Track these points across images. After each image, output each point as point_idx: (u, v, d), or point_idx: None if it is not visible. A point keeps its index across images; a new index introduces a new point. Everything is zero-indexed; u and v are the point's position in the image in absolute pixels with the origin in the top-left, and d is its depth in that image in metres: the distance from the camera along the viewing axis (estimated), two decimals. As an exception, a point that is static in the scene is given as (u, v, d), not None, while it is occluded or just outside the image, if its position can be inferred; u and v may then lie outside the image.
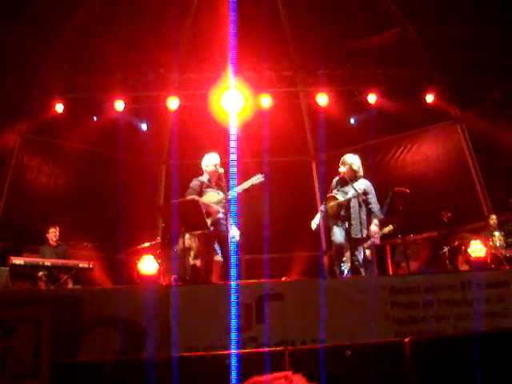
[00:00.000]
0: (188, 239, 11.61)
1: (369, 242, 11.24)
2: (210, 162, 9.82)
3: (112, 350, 7.26)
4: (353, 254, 9.84)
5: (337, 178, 10.28)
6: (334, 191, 10.07)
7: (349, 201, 9.76)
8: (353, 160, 10.17)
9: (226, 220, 9.30)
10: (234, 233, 9.53)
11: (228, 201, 9.35)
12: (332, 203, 9.88)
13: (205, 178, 9.81)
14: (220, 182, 9.66)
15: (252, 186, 9.44)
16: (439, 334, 7.60)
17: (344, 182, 10.10)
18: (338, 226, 9.84)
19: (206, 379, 5.34)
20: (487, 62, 13.89)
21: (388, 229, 12.41)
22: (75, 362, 6.48)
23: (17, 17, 13.06)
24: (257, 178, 9.46)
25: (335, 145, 15.97)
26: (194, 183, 9.78)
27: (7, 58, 13.29)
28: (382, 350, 5.87)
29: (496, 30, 13.33)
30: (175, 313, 7.37)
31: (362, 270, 9.85)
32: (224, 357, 5.54)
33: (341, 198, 9.86)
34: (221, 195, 9.54)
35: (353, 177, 10.10)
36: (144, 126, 16.21)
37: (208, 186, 9.72)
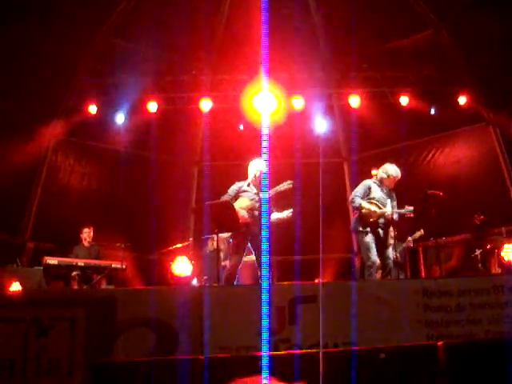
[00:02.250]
0: (219, 241, 11.69)
1: (403, 246, 11.27)
2: (255, 167, 9.81)
3: (145, 351, 7.30)
4: (383, 253, 9.88)
5: (372, 183, 10.26)
6: (374, 198, 10.06)
7: (390, 214, 9.82)
8: (393, 169, 10.18)
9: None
10: (282, 214, 9.57)
11: (260, 202, 9.37)
12: (376, 211, 9.87)
13: (245, 182, 9.81)
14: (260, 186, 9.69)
15: (280, 191, 9.43)
16: (471, 338, 7.56)
17: (383, 191, 10.11)
18: (369, 236, 9.83)
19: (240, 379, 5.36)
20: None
21: (419, 234, 12.40)
22: (109, 362, 6.52)
23: (51, 18, 13.19)
24: (286, 184, 9.45)
25: (367, 146, 15.95)
26: (232, 188, 9.78)
27: (41, 59, 13.41)
28: (415, 353, 5.86)
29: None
30: (208, 313, 7.40)
31: (392, 268, 9.90)
32: (256, 358, 5.56)
33: (385, 209, 9.88)
34: (255, 200, 9.57)
35: (390, 187, 10.13)
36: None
37: (245, 191, 9.72)
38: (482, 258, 12.75)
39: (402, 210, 9.96)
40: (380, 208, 9.91)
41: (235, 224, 9.22)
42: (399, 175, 10.16)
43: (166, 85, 15.60)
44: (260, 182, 9.60)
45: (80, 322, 7.36)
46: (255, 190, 9.66)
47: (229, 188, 9.82)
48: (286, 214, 9.52)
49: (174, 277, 12.12)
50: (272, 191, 9.27)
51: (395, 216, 9.92)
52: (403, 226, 10.52)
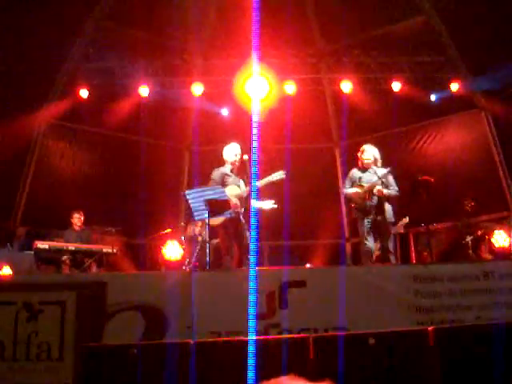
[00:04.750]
0: (199, 226, 11.71)
1: (393, 230, 11.26)
2: (231, 152, 9.81)
3: (135, 335, 7.31)
4: (383, 244, 9.88)
5: (355, 170, 10.27)
6: (357, 182, 10.06)
7: (373, 186, 9.76)
8: (375, 150, 10.17)
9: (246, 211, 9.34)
10: (266, 205, 9.52)
11: (249, 193, 9.35)
12: (359, 191, 9.86)
13: (227, 168, 9.80)
14: (242, 171, 9.65)
15: (272, 182, 9.40)
16: (461, 324, 7.58)
17: (363, 172, 10.10)
18: (364, 223, 9.82)
19: (228, 364, 5.36)
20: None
21: (404, 221, 12.40)
22: (99, 346, 6.52)
23: (43, 1, 13.11)
24: (278, 175, 9.42)
25: (358, 132, 15.94)
26: (216, 174, 9.75)
27: (32, 42, 13.34)
28: (405, 338, 5.86)
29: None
30: (197, 298, 7.41)
31: (392, 258, 9.89)
32: (246, 343, 5.57)
33: (366, 185, 9.87)
34: (242, 188, 9.56)
35: (375, 165, 10.11)
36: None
37: (229, 177, 9.71)
38: (473, 245, 12.77)
39: (382, 172, 9.89)
40: (362, 187, 9.90)
41: (225, 209, 9.22)
42: (376, 154, 10.12)
43: (157, 69, 15.54)
44: (241, 167, 9.61)
45: (70, 307, 7.35)
46: (237, 177, 9.67)
47: (211, 175, 9.80)
48: (269, 205, 9.46)
49: (165, 261, 12.14)
50: (264, 181, 9.26)
51: (385, 191, 9.84)
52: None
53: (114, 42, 14.98)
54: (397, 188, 10.00)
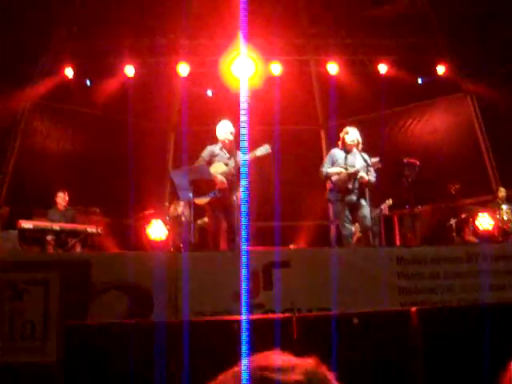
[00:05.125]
0: (181, 206, 11.70)
1: (377, 211, 11.29)
2: (221, 129, 9.78)
3: (120, 314, 7.31)
4: (363, 226, 9.89)
5: (337, 150, 10.24)
6: (339, 163, 10.03)
7: (358, 171, 9.76)
8: (357, 133, 10.15)
9: (236, 188, 9.27)
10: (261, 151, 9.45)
11: (237, 168, 9.31)
12: (343, 171, 9.84)
13: (217, 146, 9.78)
14: (233, 150, 9.62)
15: (258, 157, 9.36)
16: (444, 305, 7.63)
17: (347, 153, 10.07)
18: (342, 204, 9.80)
19: (213, 344, 5.37)
20: (500, 34, 13.80)
21: (388, 203, 12.44)
22: (83, 324, 6.52)
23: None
24: (264, 149, 9.36)
25: (345, 114, 15.93)
26: (205, 152, 9.75)
27: (17, 21, 13.23)
28: (388, 318, 5.89)
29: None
30: (183, 278, 7.41)
31: (372, 241, 9.91)
32: (231, 322, 5.58)
33: (351, 169, 9.84)
34: (230, 165, 9.53)
35: (351, 148, 10.08)
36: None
37: (218, 155, 9.69)
38: (457, 227, 12.83)
39: (369, 162, 9.88)
40: (346, 170, 9.88)
41: (211, 188, 9.21)
42: (359, 137, 10.10)
43: (143, 49, 15.46)
44: (232, 146, 9.57)
45: (54, 286, 7.34)
46: (228, 155, 9.63)
47: (201, 153, 9.79)
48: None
49: (150, 241, 12.13)
50: (250, 155, 9.21)
51: (371, 177, 9.86)
52: (377, 193, 10.50)
53: (99, 22, 14.86)
54: (375, 175, 9.99)
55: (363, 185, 9.80)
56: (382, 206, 12.48)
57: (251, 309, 7.32)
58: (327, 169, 10.00)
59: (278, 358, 1.39)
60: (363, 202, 9.80)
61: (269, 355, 1.38)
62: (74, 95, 15.36)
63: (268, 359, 1.36)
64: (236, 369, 1.39)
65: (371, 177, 9.89)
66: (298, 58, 16.10)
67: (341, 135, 10.19)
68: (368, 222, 9.84)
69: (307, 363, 1.38)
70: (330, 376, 1.39)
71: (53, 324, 7.17)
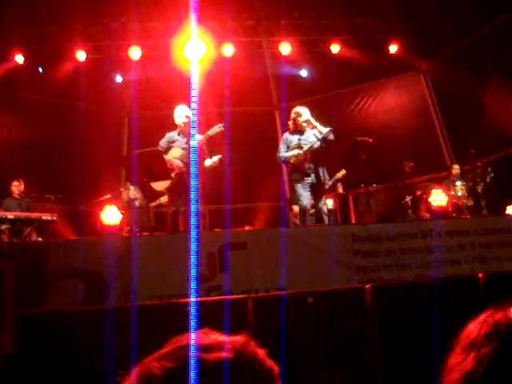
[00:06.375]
0: (133, 190, 11.67)
1: (330, 183, 11.35)
2: (178, 113, 9.73)
3: (75, 301, 7.25)
4: (317, 205, 9.92)
5: (288, 134, 10.24)
6: (293, 145, 10.03)
7: (312, 146, 9.78)
8: (307, 111, 10.15)
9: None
10: (213, 159, 9.43)
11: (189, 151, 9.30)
12: (300, 152, 9.83)
13: (176, 132, 9.74)
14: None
15: (211, 135, 9.35)
16: (400, 281, 7.70)
17: (298, 134, 10.07)
18: (302, 184, 9.82)
19: (168, 327, 5.36)
20: (451, 14, 13.90)
21: (341, 173, 12.53)
22: (37, 312, 6.46)
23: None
24: (217, 128, 9.36)
25: (298, 95, 15.94)
26: (163, 140, 9.72)
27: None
28: (343, 296, 5.94)
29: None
30: (137, 263, 7.36)
31: (325, 218, 9.95)
32: (186, 305, 5.58)
33: (305, 147, 9.86)
34: (186, 149, 9.50)
35: (303, 128, 10.08)
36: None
37: (175, 141, 9.65)
38: (412, 205, 12.93)
39: (322, 134, 9.89)
40: (302, 148, 9.89)
41: (165, 173, 9.17)
42: (309, 114, 10.11)
43: (94, 33, 15.29)
44: (188, 129, 9.54)
45: (9, 275, 7.25)
46: (185, 139, 9.60)
47: (160, 140, 9.75)
48: (215, 159, 9.42)
49: (103, 226, 12.07)
50: (204, 136, 9.18)
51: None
52: (329, 169, 10.54)
53: (49, 7, 14.63)
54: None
55: (317, 161, 9.84)
56: (336, 176, 12.58)
57: (208, 291, 7.32)
58: (284, 153, 10.00)
59: (204, 336, 1.38)
60: (318, 180, 9.83)
61: (195, 334, 1.37)
62: (25, 81, 15.18)
63: (194, 338, 1.35)
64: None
65: (317, 143, 9.89)
66: (251, 40, 16.05)
67: (292, 117, 10.17)
68: (319, 201, 9.90)
69: (236, 340, 1.37)
70: (261, 352, 1.38)
71: (8, 315, 7.08)
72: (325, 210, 10.02)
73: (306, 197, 9.75)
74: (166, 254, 7.70)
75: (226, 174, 11.41)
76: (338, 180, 12.93)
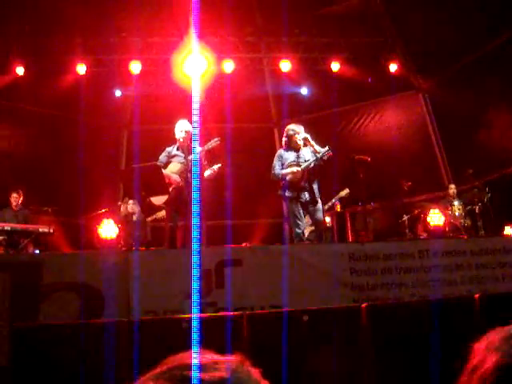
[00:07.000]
0: (132, 204, 11.68)
1: (333, 201, 11.37)
2: (178, 128, 9.74)
3: (71, 315, 7.24)
4: (315, 221, 9.92)
5: (282, 151, 10.23)
6: (290, 162, 10.03)
7: (310, 165, 9.79)
8: (302, 129, 10.16)
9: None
10: (213, 168, 9.46)
11: (190, 164, 9.31)
12: (298, 169, 9.82)
13: (175, 147, 9.76)
14: (189, 148, 9.60)
15: (207, 149, 9.37)
16: (397, 301, 7.71)
17: (294, 151, 10.07)
18: (298, 205, 9.80)
19: (165, 343, 5.36)
20: (451, 33, 13.96)
21: (345, 192, 12.55)
22: (35, 325, 6.45)
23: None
24: (213, 142, 9.39)
25: (298, 112, 15.99)
26: (162, 155, 9.74)
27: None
28: (339, 315, 5.93)
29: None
30: (134, 277, 7.37)
31: (324, 235, 9.97)
32: (182, 321, 5.58)
33: (303, 164, 9.86)
34: (184, 164, 9.51)
35: (298, 147, 10.08)
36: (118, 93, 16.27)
37: (175, 156, 9.66)
38: (410, 224, 12.95)
39: (319, 154, 9.88)
40: (299, 166, 9.89)
41: (163, 187, 9.18)
42: (300, 130, 10.11)
43: (95, 47, 15.34)
44: (187, 145, 9.56)
45: (4, 288, 7.24)
46: (184, 154, 9.62)
47: (160, 155, 9.77)
48: (215, 167, 9.43)
49: (100, 240, 12.07)
50: (201, 150, 9.20)
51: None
52: (328, 187, 10.56)
53: (51, 19, 14.68)
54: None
55: (312, 179, 9.84)
56: (338, 195, 12.61)
57: (203, 307, 7.31)
58: (279, 170, 9.97)
59: (199, 356, 1.40)
60: (316, 197, 9.82)
61: (190, 354, 1.38)
62: (25, 93, 15.19)
63: (189, 358, 1.36)
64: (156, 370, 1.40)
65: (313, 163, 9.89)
66: (251, 56, 16.09)
67: (288, 134, 10.15)
68: (321, 216, 9.89)
69: (231, 360, 1.38)
70: (255, 372, 1.39)
71: (4, 325, 7.07)
72: (321, 218, 9.98)
73: (302, 223, 9.76)
74: (162, 269, 7.70)
75: (226, 189, 11.43)
76: (342, 199, 12.94)
